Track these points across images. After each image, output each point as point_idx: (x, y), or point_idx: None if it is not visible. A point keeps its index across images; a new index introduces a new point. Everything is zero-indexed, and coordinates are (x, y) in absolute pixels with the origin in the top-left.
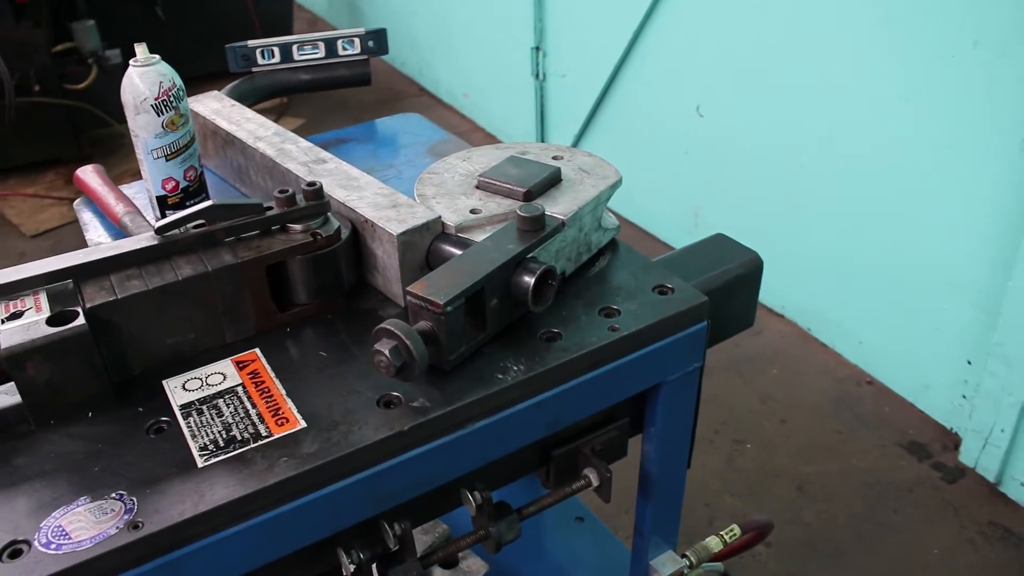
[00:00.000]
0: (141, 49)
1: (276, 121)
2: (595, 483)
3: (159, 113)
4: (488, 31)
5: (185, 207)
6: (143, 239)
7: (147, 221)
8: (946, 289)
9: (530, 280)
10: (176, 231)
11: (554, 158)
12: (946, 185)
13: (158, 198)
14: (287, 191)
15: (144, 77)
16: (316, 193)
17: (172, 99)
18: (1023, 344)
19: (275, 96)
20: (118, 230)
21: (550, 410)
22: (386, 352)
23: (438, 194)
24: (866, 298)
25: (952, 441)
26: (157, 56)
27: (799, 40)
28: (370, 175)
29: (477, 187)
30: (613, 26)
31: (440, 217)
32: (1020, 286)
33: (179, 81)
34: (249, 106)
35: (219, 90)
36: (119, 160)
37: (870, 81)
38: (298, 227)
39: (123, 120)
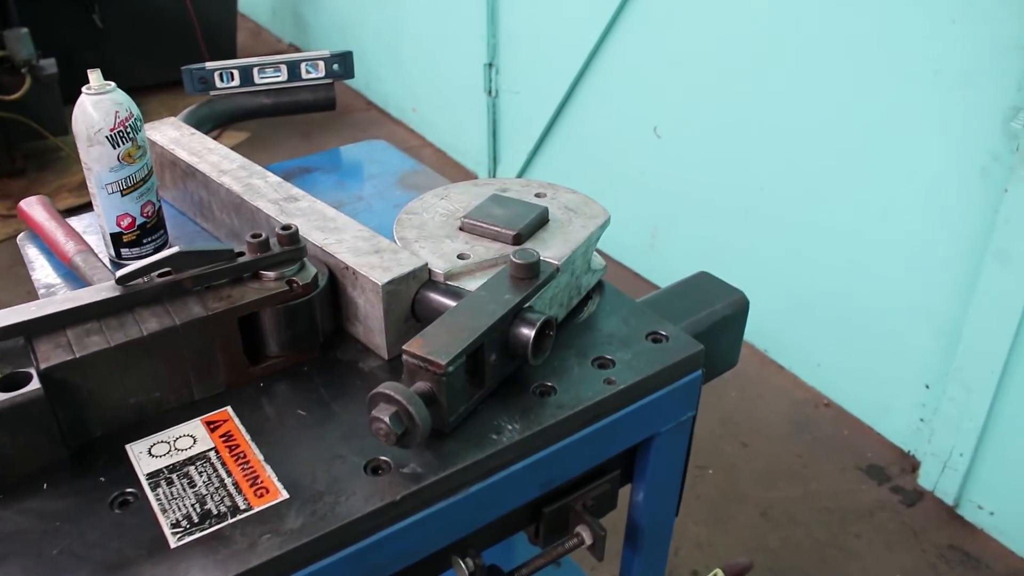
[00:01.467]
0: (95, 76)
1: (218, 135)
2: (588, 541)
3: (115, 145)
4: (439, 45)
5: (142, 244)
6: (103, 289)
7: (101, 262)
8: (905, 313)
9: (530, 332)
10: (140, 280)
11: (537, 196)
12: (907, 209)
13: (112, 235)
14: (260, 235)
15: (98, 106)
16: (291, 237)
17: (129, 130)
18: (982, 369)
19: (235, 121)
20: (67, 269)
21: (545, 469)
22: (386, 419)
23: (420, 237)
24: (824, 320)
25: (910, 464)
26: (112, 83)
27: (760, 62)
28: (340, 209)
29: (461, 229)
30: (569, 43)
31: (427, 264)
32: (980, 311)
33: (136, 110)
34: (207, 132)
35: (160, 103)
36: (54, 175)
37: (831, 105)
38: (271, 274)
39: (59, 132)
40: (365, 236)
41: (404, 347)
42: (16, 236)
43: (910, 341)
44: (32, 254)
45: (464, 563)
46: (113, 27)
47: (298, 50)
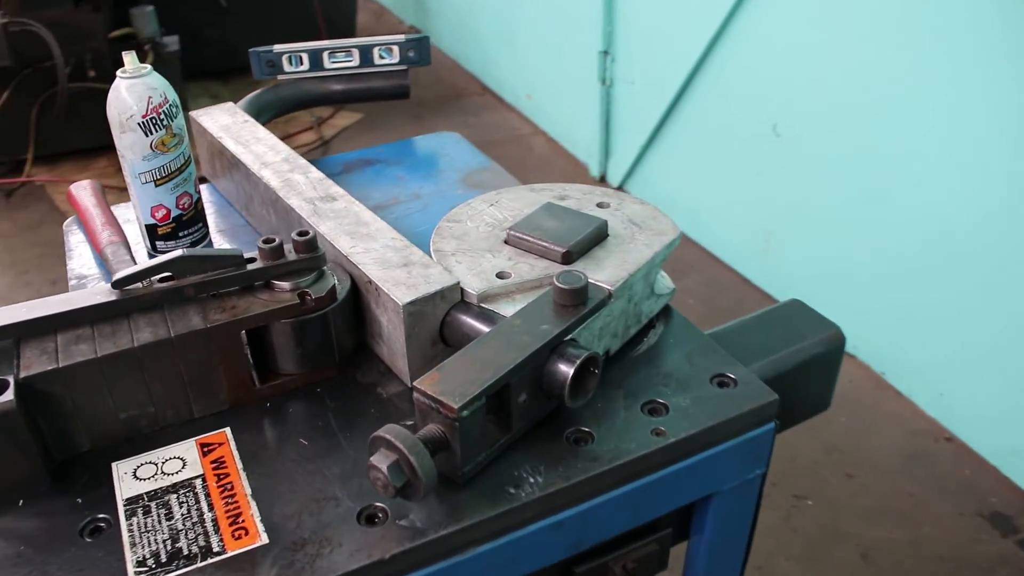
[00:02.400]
0: (130, 58)
1: (331, 116)
2: None
3: (147, 132)
4: (555, 31)
5: (178, 238)
6: (98, 293)
7: (130, 256)
8: None
9: (568, 371)
10: (138, 285)
11: (599, 205)
12: None
13: (147, 227)
14: (273, 240)
15: (132, 90)
16: (308, 244)
17: (163, 116)
18: None
19: (301, 108)
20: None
21: (573, 531)
22: (384, 469)
23: (459, 250)
24: (951, 345)
25: None
26: (148, 66)
27: (890, 56)
28: (392, 207)
29: (506, 242)
30: (687, 33)
31: (459, 283)
32: None
33: (173, 95)
34: (271, 118)
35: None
36: None
37: (969, 104)
38: (286, 284)
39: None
40: (397, 247)
41: (415, 383)
42: None
43: None
44: (74, 241)
45: None
46: (237, 6)
47: (418, 32)
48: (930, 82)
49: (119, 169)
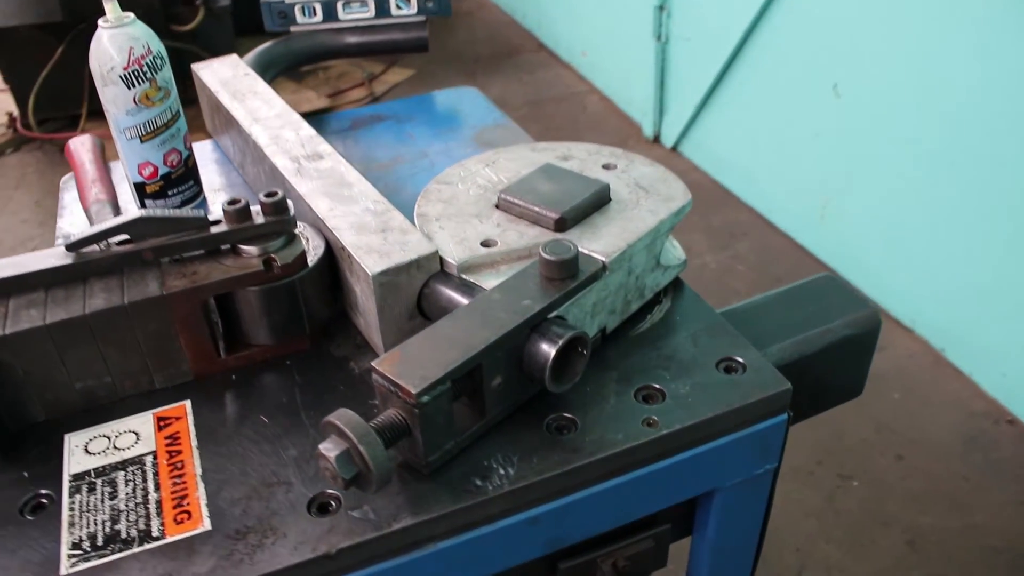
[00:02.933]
0: (111, 6)
1: (383, 72)
2: None
3: (130, 85)
4: None
5: (167, 196)
6: (53, 256)
7: (115, 213)
8: None
9: (550, 352)
10: (94, 248)
11: (604, 167)
12: None
13: (135, 185)
14: (238, 202)
15: (113, 40)
16: (276, 206)
17: (147, 68)
18: None
19: (314, 61)
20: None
21: (550, 527)
22: (331, 459)
23: (445, 214)
24: (1018, 322)
25: None
26: (131, 15)
27: (960, 13)
28: (395, 166)
29: (497, 207)
30: None
31: (438, 251)
32: None
33: (157, 46)
34: (280, 72)
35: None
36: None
37: None
38: (253, 249)
39: None
40: (378, 211)
41: (374, 364)
42: None
43: None
44: (68, 199)
45: None
46: None
47: None
48: (1003, 38)
49: None
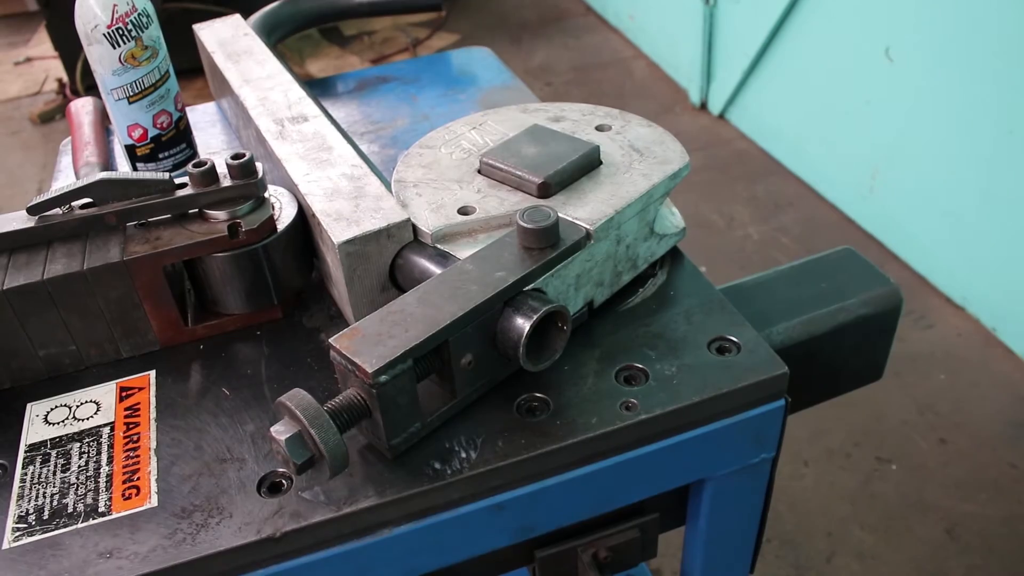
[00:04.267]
0: None
1: (429, 37)
2: None
3: (115, 44)
4: None
5: (157, 160)
6: (15, 219)
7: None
8: None
9: (523, 327)
10: (57, 211)
11: (598, 128)
12: None
13: (126, 148)
14: (204, 164)
15: None
16: (243, 168)
17: (131, 27)
18: None
19: (323, 22)
20: None
21: (519, 515)
22: (282, 443)
23: (424, 180)
24: None
25: None
26: None
27: None
28: (391, 130)
29: (479, 171)
30: None
31: (409, 219)
32: None
33: (144, 4)
34: (287, 34)
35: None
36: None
37: None
38: (221, 214)
39: None
40: (354, 175)
41: (331, 340)
42: None
43: None
44: (65, 162)
45: None
46: None
47: None
48: None
49: None
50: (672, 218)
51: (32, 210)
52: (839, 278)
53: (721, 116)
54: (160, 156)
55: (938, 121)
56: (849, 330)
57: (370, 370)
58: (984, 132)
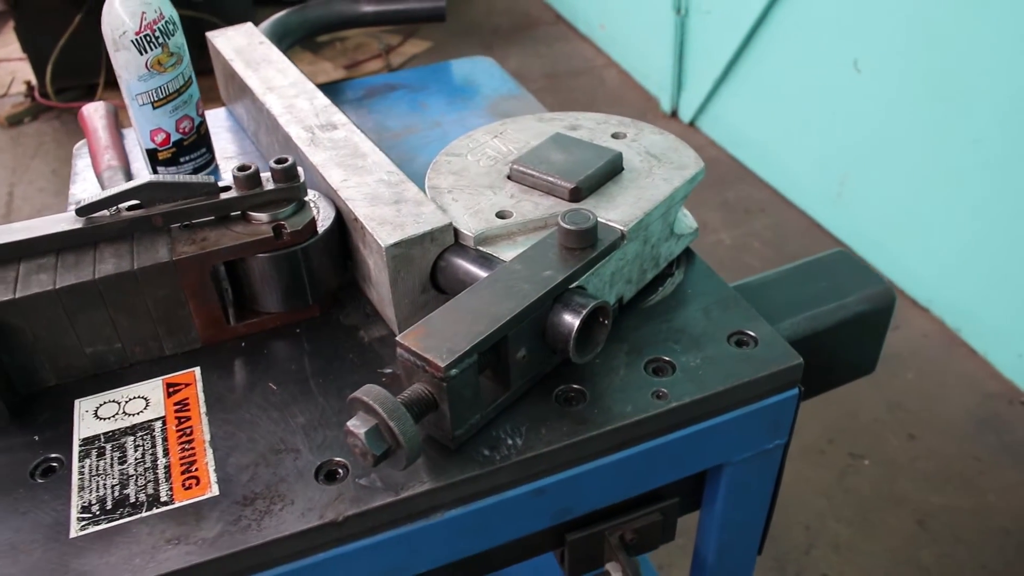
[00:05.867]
0: None
1: (401, 44)
2: None
3: (142, 51)
4: None
5: (179, 163)
6: (64, 220)
7: (127, 179)
8: None
9: (573, 322)
10: (104, 213)
11: (614, 136)
12: None
13: (148, 152)
14: (248, 168)
15: (125, 5)
16: (286, 173)
17: (159, 33)
18: None
19: (330, 30)
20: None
21: (557, 498)
22: (361, 436)
23: (457, 186)
24: None
25: None
26: None
27: None
28: (408, 136)
29: (509, 177)
30: None
31: (451, 224)
32: None
33: (170, 11)
34: (295, 42)
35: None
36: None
37: None
38: (263, 216)
39: None
40: (392, 182)
41: (398, 338)
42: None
43: None
44: (81, 165)
45: None
46: None
47: None
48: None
49: None
50: (687, 219)
51: (81, 211)
52: (837, 278)
53: (692, 124)
54: (181, 160)
55: (904, 130)
56: (848, 326)
57: (442, 364)
58: (949, 141)
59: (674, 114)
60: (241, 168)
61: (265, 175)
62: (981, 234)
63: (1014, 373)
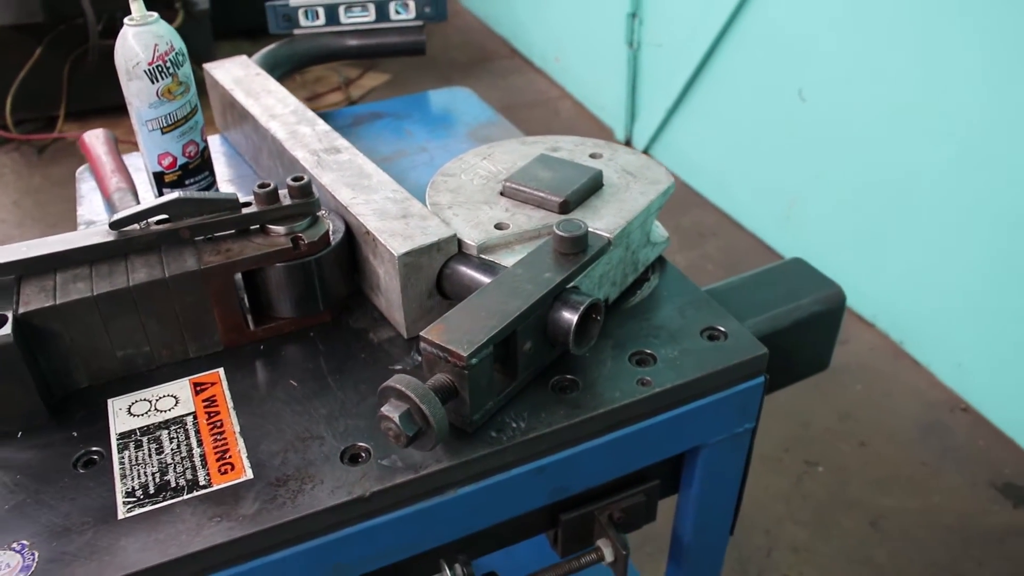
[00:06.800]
0: (137, 6)
1: (360, 76)
2: (608, 558)
3: (153, 80)
4: None
5: (184, 185)
6: (96, 233)
7: (136, 201)
8: None
9: (572, 317)
10: (135, 227)
11: (591, 156)
12: None
13: (155, 175)
14: (268, 185)
15: (139, 38)
16: (303, 190)
17: (169, 64)
18: None
19: (317, 63)
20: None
21: (555, 477)
22: (395, 419)
23: (455, 202)
24: (971, 316)
25: None
26: (155, 14)
27: (919, 21)
28: (398, 159)
29: (502, 194)
30: None
31: (456, 235)
32: None
33: (179, 43)
34: (286, 73)
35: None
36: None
37: (1000, 73)
38: (280, 229)
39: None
40: (397, 199)
41: (422, 333)
42: None
43: None
44: (85, 188)
45: (451, 570)
46: None
47: None
48: (960, 48)
49: None
50: (659, 229)
51: (114, 225)
52: (793, 282)
53: (645, 152)
54: (186, 182)
55: (848, 155)
56: (805, 324)
57: (464, 354)
58: (889, 165)
59: (628, 143)
60: (261, 185)
61: (282, 192)
62: (922, 253)
63: (954, 382)
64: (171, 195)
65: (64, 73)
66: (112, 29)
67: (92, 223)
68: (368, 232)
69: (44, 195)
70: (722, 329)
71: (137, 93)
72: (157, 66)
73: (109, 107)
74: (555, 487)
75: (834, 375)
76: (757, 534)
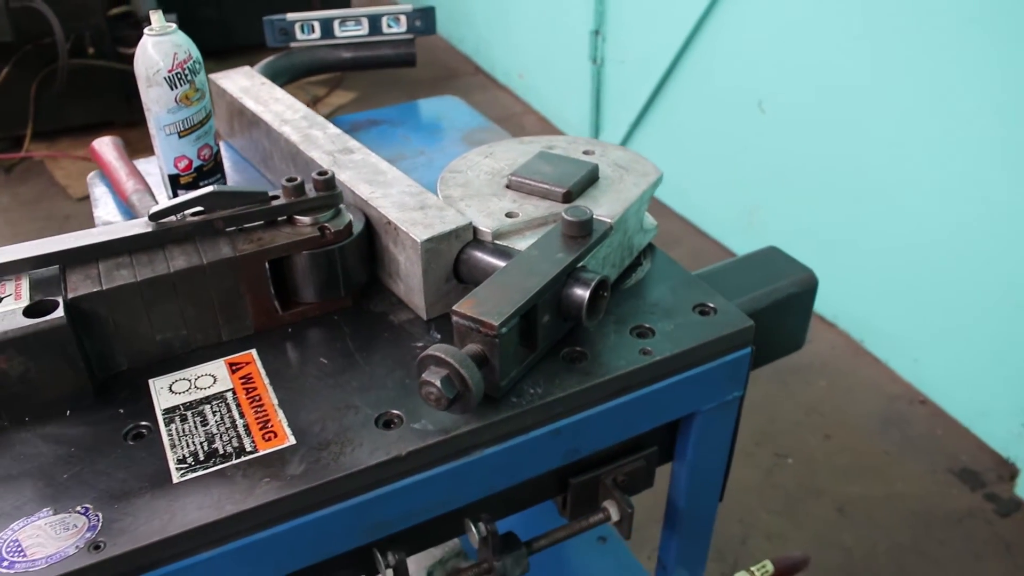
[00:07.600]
0: (156, 17)
1: (327, 95)
2: (615, 517)
3: (172, 87)
4: (547, 12)
5: (198, 187)
6: (136, 225)
7: (155, 201)
8: (1014, 311)
9: (584, 293)
10: (172, 218)
11: (585, 153)
12: None
13: (170, 176)
14: (295, 179)
15: (158, 47)
16: (327, 183)
17: (187, 72)
18: None
19: (313, 74)
20: (128, 208)
21: (569, 438)
22: (436, 383)
23: (466, 195)
24: (926, 313)
25: (1008, 471)
26: (174, 25)
27: (875, 33)
28: (398, 162)
29: (508, 187)
30: (676, 12)
31: (471, 223)
32: None
33: (196, 53)
34: (284, 83)
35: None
36: None
37: (948, 87)
38: (306, 219)
39: None
40: (413, 192)
41: (454, 308)
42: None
43: (1018, 342)
44: (99, 193)
45: (476, 527)
46: None
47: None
48: (911, 60)
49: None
50: (649, 218)
51: (153, 217)
52: (769, 268)
53: None
54: (201, 184)
55: (806, 163)
56: (782, 305)
57: (496, 323)
58: (844, 172)
59: None
60: (289, 180)
61: (308, 186)
62: (878, 255)
63: (912, 376)
64: (206, 188)
65: (32, 92)
66: (80, 49)
67: (110, 223)
68: (390, 222)
69: (14, 214)
70: (712, 305)
71: (156, 99)
72: (176, 73)
73: (76, 127)
74: (568, 448)
75: (799, 373)
76: (732, 524)
